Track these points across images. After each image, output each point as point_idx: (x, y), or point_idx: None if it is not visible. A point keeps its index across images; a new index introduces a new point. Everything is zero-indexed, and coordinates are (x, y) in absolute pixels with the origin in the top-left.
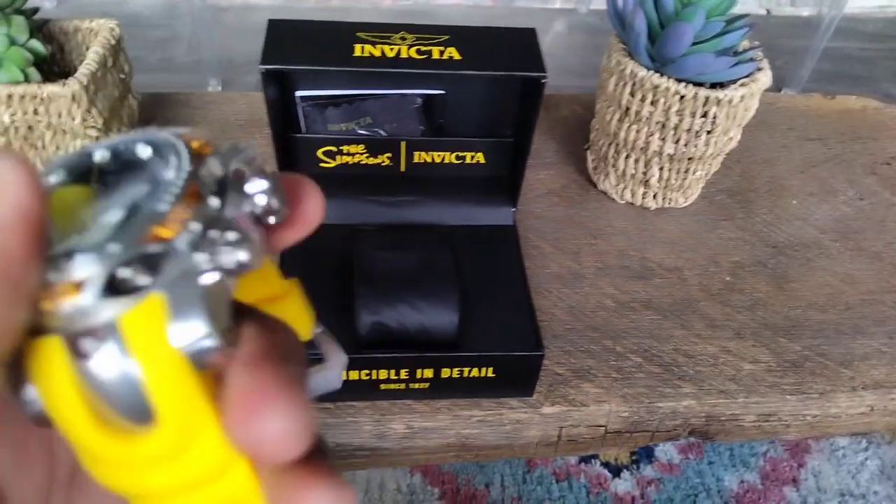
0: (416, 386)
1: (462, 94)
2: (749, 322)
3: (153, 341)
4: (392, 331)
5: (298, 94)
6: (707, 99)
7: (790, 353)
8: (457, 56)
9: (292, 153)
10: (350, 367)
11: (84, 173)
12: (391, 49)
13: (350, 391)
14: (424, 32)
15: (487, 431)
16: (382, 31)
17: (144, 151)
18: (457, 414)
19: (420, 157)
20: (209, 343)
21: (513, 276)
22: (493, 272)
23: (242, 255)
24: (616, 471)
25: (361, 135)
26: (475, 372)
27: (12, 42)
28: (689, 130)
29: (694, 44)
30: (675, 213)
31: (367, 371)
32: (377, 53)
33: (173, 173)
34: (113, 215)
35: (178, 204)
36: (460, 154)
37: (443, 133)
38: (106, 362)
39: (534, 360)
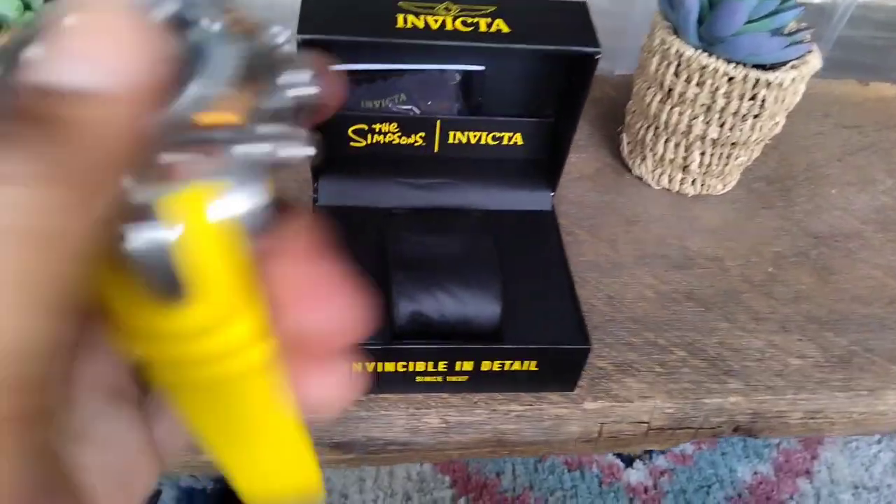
0: (454, 379)
1: (503, 71)
2: (794, 315)
3: (202, 218)
4: (431, 321)
5: (331, 68)
6: (757, 81)
7: (837, 347)
8: (505, 28)
9: (320, 131)
10: (385, 359)
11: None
12: (435, 20)
13: (384, 383)
14: (470, 2)
15: (526, 427)
16: (426, 0)
17: (205, 21)
18: (494, 408)
19: (455, 137)
20: (265, 212)
21: (553, 264)
22: (532, 259)
23: (299, 150)
24: (629, 461)
25: (394, 112)
26: (517, 365)
27: (27, 6)
28: (735, 114)
29: (745, 23)
30: (714, 200)
31: (404, 363)
32: (420, 24)
33: (229, 56)
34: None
35: (234, 89)
36: (497, 135)
37: (480, 112)
38: (149, 235)
39: (580, 354)
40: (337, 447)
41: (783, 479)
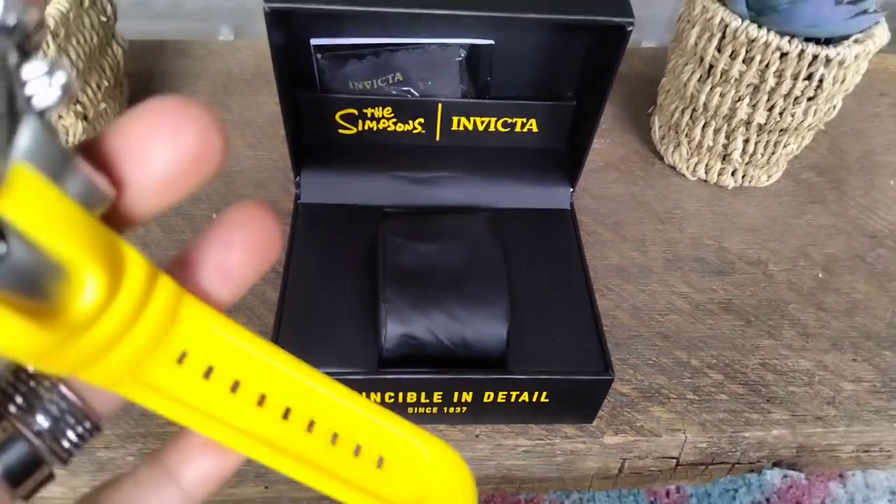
0: (452, 410)
1: (516, 45)
2: (847, 330)
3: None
4: (425, 345)
5: (314, 42)
6: (815, 57)
7: None
8: None
9: (303, 116)
10: (371, 389)
11: None
12: None
13: None
14: None
15: (535, 463)
16: None
17: None
18: (499, 443)
19: (460, 123)
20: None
21: (571, 274)
22: (546, 269)
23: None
24: None
25: (389, 95)
26: (525, 396)
27: None
28: (787, 96)
29: None
30: (756, 193)
31: (391, 393)
32: None
33: None
34: None
35: None
36: (508, 120)
37: (488, 95)
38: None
39: (600, 386)
40: None
41: (815, 484)
